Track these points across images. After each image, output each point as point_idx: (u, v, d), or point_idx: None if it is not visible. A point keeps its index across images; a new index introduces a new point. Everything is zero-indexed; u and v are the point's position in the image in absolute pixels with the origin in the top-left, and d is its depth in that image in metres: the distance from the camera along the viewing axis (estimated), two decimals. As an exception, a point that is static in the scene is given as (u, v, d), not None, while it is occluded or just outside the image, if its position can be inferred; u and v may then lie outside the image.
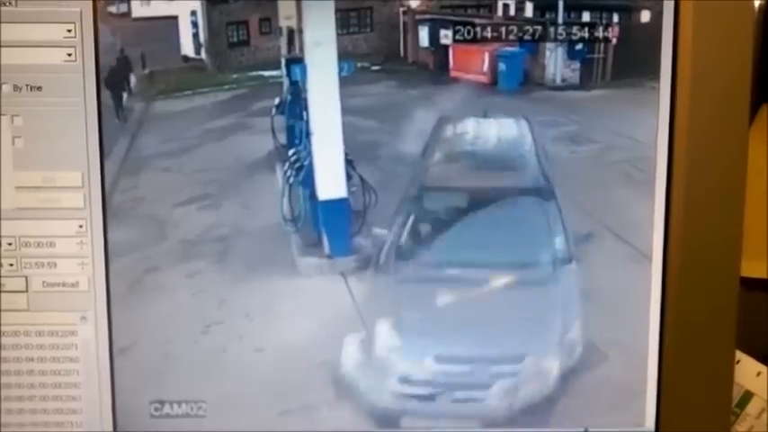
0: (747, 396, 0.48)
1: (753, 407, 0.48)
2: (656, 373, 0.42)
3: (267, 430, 0.42)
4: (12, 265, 0.41)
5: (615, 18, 0.40)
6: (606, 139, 0.41)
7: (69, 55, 0.39)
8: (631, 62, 0.40)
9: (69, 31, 0.39)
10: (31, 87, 0.40)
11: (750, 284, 0.45)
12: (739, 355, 0.46)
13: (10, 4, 0.39)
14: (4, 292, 0.41)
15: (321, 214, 0.42)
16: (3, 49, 0.39)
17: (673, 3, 0.39)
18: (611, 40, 0.40)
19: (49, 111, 0.40)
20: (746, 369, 0.48)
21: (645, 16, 0.39)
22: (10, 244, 0.41)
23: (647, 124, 0.40)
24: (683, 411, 0.41)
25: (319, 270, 0.42)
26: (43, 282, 0.41)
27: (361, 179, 0.41)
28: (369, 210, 0.42)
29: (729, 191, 0.39)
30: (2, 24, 0.39)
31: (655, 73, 0.39)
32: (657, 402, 0.42)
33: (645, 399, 0.42)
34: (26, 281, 0.41)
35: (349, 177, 0.41)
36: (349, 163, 0.41)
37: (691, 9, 0.38)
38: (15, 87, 0.40)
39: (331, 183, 0.42)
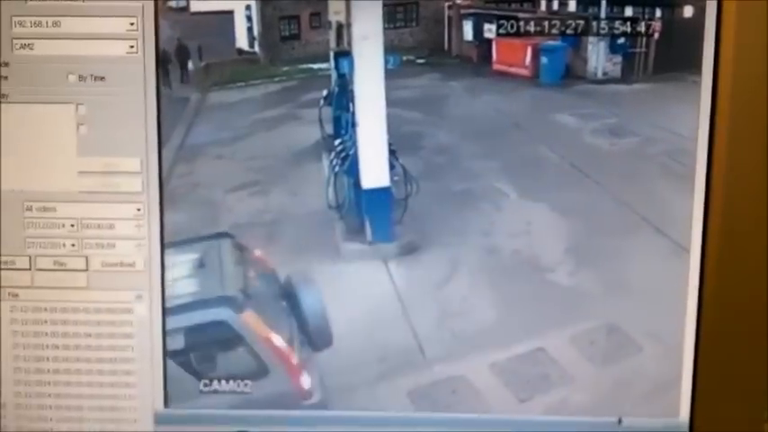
0: (784, 390, 0.47)
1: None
2: (691, 365, 0.41)
3: (309, 409, 0.43)
4: (74, 245, 0.43)
5: (658, 13, 0.40)
6: (647, 133, 0.41)
7: (131, 47, 0.41)
8: (673, 57, 0.40)
9: (132, 24, 0.41)
10: (95, 77, 0.41)
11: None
12: (776, 349, 0.46)
13: (78, -1, 0.41)
14: (65, 270, 0.43)
15: (364, 202, 0.44)
16: (70, 41, 0.41)
17: (716, -1, 0.39)
18: (653, 35, 0.40)
19: (111, 100, 0.41)
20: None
21: (688, 11, 0.39)
22: (72, 225, 0.42)
23: (688, 118, 0.40)
24: (718, 403, 0.41)
25: (361, 256, 0.43)
26: (102, 261, 0.43)
27: (404, 169, 0.42)
28: (410, 198, 0.43)
29: (769, 185, 0.39)
30: (69, 18, 0.41)
31: (696, 67, 0.39)
32: (692, 394, 0.42)
33: (680, 390, 0.42)
34: (86, 260, 0.43)
35: (392, 167, 0.42)
36: (392, 153, 0.42)
37: (734, 5, 0.38)
38: (80, 77, 0.41)
39: (375, 172, 0.43)
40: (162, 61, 0.41)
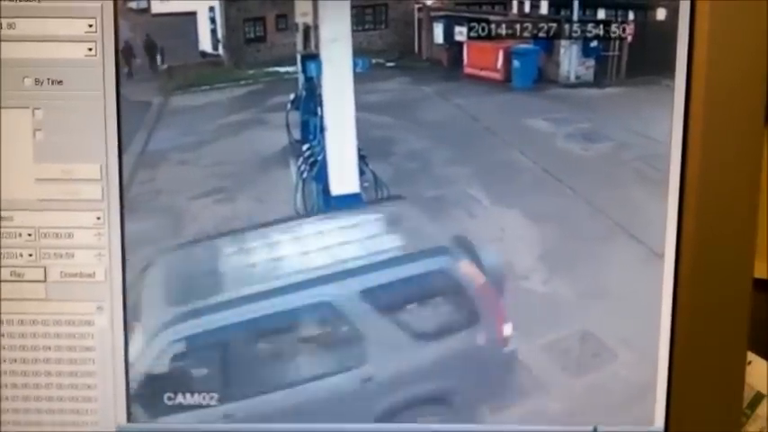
0: (759, 397, 0.48)
1: (764, 408, 0.47)
2: (666, 373, 0.41)
3: (278, 420, 0.42)
4: (31, 255, 0.41)
5: (631, 16, 0.40)
6: (620, 137, 0.41)
7: (90, 50, 0.40)
8: (646, 60, 0.40)
9: (90, 26, 0.40)
10: (52, 81, 0.40)
11: (758, 285, 0.44)
12: (751, 356, 0.46)
13: (33, -1, 0.40)
14: (23, 281, 0.42)
15: (334, 209, 0.43)
16: (25, 43, 0.40)
17: (689, 1, 0.39)
18: (626, 38, 0.40)
19: (70, 104, 0.40)
20: (758, 370, 0.47)
21: (661, 14, 0.39)
22: (30, 235, 0.41)
23: (661, 122, 0.40)
24: (694, 411, 0.41)
25: None
26: (61, 272, 0.42)
27: (374, 175, 0.42)
28: None
29: (743, 190, 0.39)
30: (25, 19, 0.40)
31: (670, 71, 0.39)
32: (667, 402, 0.42)
33: (655, 398, 0.42)
34: (44, 271, 0.42)
35: (362, 173, 0.42)
36: (362, 158, 0.42)
37: (707, 7, 0.38)
38: (37, 81, 0.40)
39: (344, 178, 0.42)
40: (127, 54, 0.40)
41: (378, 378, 0.41)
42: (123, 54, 0.40)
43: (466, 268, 0.41)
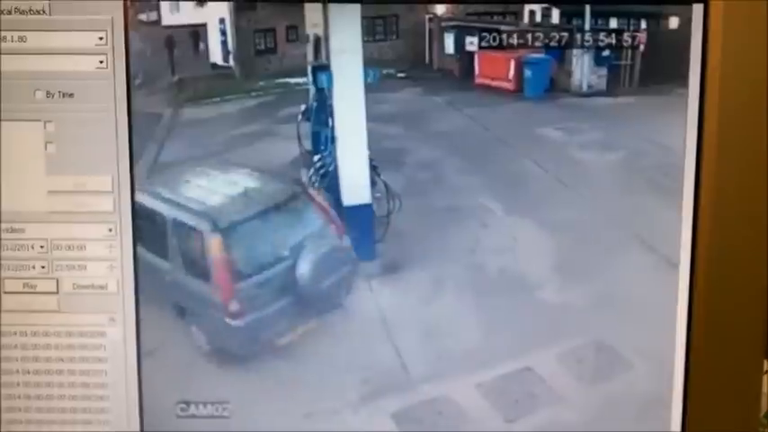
0: (776, 407, 0.47)
1: (782, 418, 0.47)
2: (682, 382, 0.41)
3: (290, 432, 0.43)
4: (43, 267, 0.42)
5: (643, 25, 0.40)
6: (633, 146, 0.41)
7: (101, 62, 0.40)
8: (659, 69, 0.40)
9: (101, 38, 0.40)
10: (63, 94, 0.40)
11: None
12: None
13: (44, 12, 0.40)
14: (35, 293, 0.42)
15: (345, 219, 0.43)
16: (36, 56, 0.40)
17: (702, 9, 0.39)
18: (638, 47, 0.40)
19: (81, 117, 0.41)
20: (775, 380, 0.47)
21: (673, 22, 0.39)
22: (42, 247, 0.41)
23: (674, 131, 0.40)
24: (710, 421, 0.41)
25: None
26: (73, 284, 0.42)
27: (386, 185, 0.42)
28: (393, 216, 0.42)
29: (758, 198, 0.39)
30: (36, 32, 0.40)
31: (683, 79, 0.39)
32: (683, 411, 0.41)
33: (671, 408, 0.42)
34: (57, 283, 0.42)
35: (373, 183, 0.42)
36: (373, 169, 0.41)
37: (720, 16, 0.38)
38: (48, 94, 0.40)
39: (355, 188, 0.42)
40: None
41: None
42: (134, 66, 0.40)
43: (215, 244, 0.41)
